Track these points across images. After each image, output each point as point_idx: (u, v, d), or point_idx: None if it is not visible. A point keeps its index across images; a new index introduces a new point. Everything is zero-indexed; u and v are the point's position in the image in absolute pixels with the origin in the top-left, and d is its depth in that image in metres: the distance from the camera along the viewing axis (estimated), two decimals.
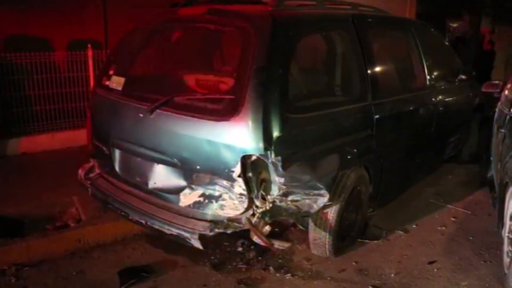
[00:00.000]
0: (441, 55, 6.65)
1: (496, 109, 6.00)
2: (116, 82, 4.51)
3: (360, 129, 4.53)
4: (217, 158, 3.72)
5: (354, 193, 4.53)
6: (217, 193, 3.83)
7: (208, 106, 3.82)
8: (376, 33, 5.15)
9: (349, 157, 4.35)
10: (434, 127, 5.82)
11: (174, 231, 3.86)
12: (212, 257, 4.56)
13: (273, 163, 3.61)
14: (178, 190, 4.00)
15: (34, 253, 4.45)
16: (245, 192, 3.69)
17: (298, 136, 3.83)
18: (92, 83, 7.31)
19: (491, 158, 5.72)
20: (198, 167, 3.85)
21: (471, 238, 5.06)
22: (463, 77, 6.70)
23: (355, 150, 4.42)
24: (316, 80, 4.71)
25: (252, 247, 4.63)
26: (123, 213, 4.26)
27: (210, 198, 3.86)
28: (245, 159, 3.63)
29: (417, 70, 5.74)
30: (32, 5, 7.79)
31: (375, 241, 4.92)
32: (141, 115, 4.09)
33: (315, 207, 4.01)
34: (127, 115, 4.29)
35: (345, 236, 4.65)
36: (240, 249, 4.70)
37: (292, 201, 3.87)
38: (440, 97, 5.95)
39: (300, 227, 4.61)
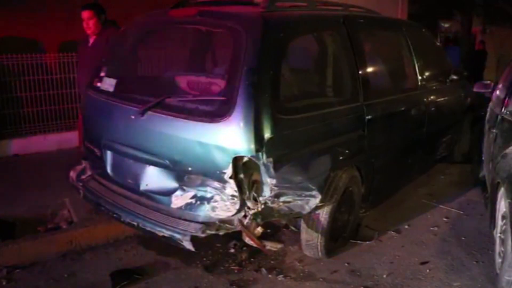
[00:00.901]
0: (433, 55, 6.66)
1: (488, 109, 6.03)
2: (108, 84, 4.50)
3: (351, 129, 4.53)
4: (208, 159, 3.72)
5: (346, 194, 4.53)
6: (208, 195, 3.82)
7: (199, 108, 3.81)
8: (367, 34, 5.16)
9: (340, 158, 4.36)
10: (426, 127, 5.83)
11: (166, 232, 3.84)
12: (204, 259, 4.55)
13: (265, 165, 3.60)
14: (169, 192, 3.99)
15: (26, 255, 4.43)
16: (236, 194, 3.69)
17: (289, 137, 3.82)
18: None
19: (483, 158, 5.75)
20: (189, 168, 3.84)
21: (463, 238, 5.06)
22: (455, 77, 6.71)
23: (347, 151, 4.42)
24: (307, 81, 4.71)
25: (244, 248, 4.63)
26: (115, 215, 4.24)
27: (201, 199, 3.86)
28: (236, 161, 3.62)
29: (408, 71, 5.75)
30: (22, 7, 7.76)
31: (368, 242, 4.92)
32: (133, 116, 4.07)
33: (307, 208, 4.02)
34: (119, 117, 4.28)
35: (338, 237, 4.65)
36: (232, 250, 4.69)
37: (284, 202, 3.87)
38: (431, 97, 5.96)
39: (292, 228, 4.62)
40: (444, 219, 5.55)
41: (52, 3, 8.09)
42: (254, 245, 3.86)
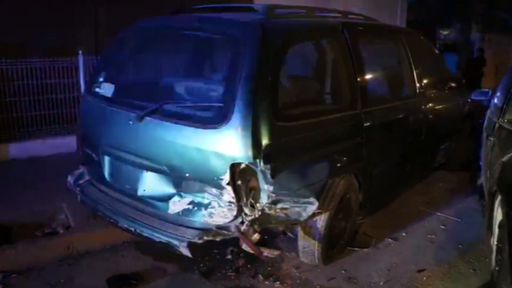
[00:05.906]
0: (431, 63, 6.67)
1: (486, 117, 6.04)
2: (106, 89, 4.50)
3: (349, 137, 4.53)
4: (206, 165, 3.72)
5: (344, 201, 4.53)
6: (206, 201, 3.82)
7: (197, 114, 3.81)
8: (366, 41, 5.16)
9: (338, 165, 4.36)
10: (424, 134, 5.83)
11: (163, 238, 3.85)
12: (201, 265, 4.55)
13: (262, 171, 3.60)
14: (167, 198, 3.99)
15: (23, 260, 4.43)
16: (234, 200, 3.69)
17: (287, 144, 3.82)
18: (82, 89, 7.29)
19: (481, 166, 5.75)
20: (187, 174, 3.84)
21: (460, 246, 5.06)
22: (453, 85, 6.72)
23: (345, 158, 4.42)
24: (305, 88, 4.71)
25: (241, 255, 4.61)
26: (112, 220, 4.24)
27: (199, 205, 3.86)
28: (234, 167, 3.62)
29: (407, 78, 5.75)
30: (25, 11, 7.77)
31: (365, 249, 4.92)
32: (131, 122, 4.08)
33: (304, 215, 4.01)
34: (117, 122, 4.28)
35: (335, 244, 4.65)
36: (229, 257, 4.69)
37: (281, 209, 3.87)
38: (430, 105, 5.96)
39: (290, 235, 4.61)
40: (442, 226, 5.55)
41: (55, 8, 8.08)
42: (251, 251, 3.85)
